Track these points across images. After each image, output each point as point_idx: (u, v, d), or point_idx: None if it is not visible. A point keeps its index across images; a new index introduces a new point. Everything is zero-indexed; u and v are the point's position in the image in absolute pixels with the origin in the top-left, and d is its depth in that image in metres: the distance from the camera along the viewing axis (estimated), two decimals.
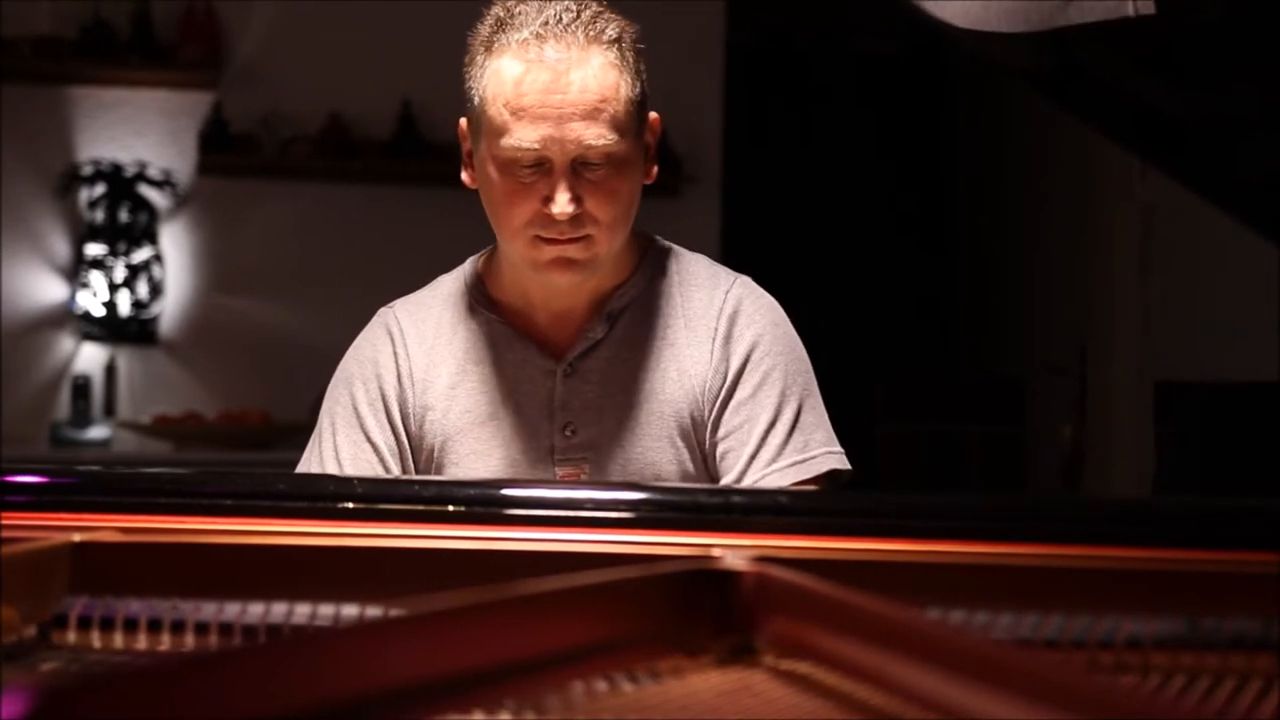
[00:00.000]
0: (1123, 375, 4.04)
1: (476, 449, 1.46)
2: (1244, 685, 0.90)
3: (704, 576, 0.89)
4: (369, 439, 1.47)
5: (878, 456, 4.21)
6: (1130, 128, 1.56)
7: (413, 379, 1.48)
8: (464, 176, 1.47)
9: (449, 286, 1.54)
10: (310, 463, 1.49)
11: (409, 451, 1.48)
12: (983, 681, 0.73)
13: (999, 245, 5.29)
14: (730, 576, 0.89)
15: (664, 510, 1.07)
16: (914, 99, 5.73)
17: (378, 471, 1.46)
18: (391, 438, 1.47)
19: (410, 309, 1.53)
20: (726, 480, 1.45)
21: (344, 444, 1.47)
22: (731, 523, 1.03)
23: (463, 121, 1.45)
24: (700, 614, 0.88)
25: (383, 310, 1.55)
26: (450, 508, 1.06)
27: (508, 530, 1.03)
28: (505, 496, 1.10)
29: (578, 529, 1.03)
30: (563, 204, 1.36)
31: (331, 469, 1.46)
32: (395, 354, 1.49)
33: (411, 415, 1.48)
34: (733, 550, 0.93)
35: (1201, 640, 0.93)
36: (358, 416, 1.48)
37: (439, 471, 1.48)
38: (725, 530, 1.02)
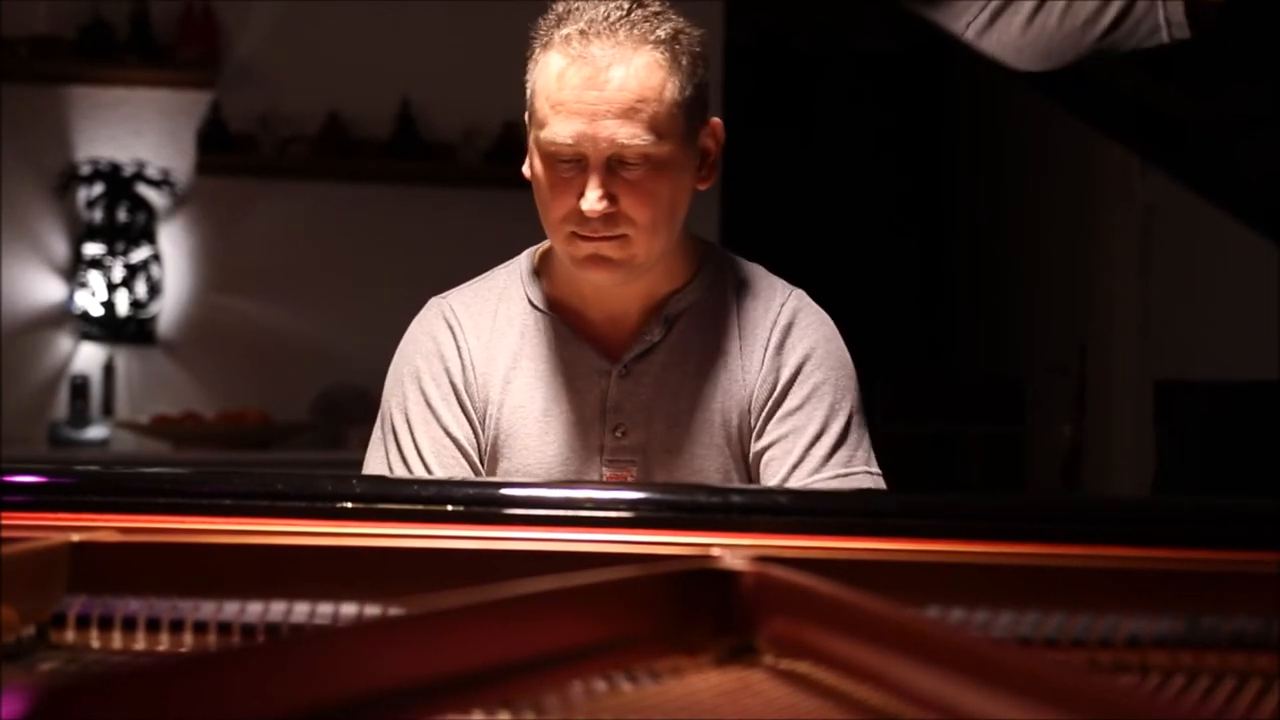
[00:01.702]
0: (1123, 375, 4.04)
1: (527, 445, 1.45)
2: (1244, 684, 0.90)
3: (703, 576, 0.89)
4: (449, 434, 1.45)
5: (878, 456, 4.21)
6: (1131, 127, 1.56)
7: (475, 369, 1.46)
8: (524, 168, 1.45)
9: (502, 280, 1.52)
10: (390, 463, 1.46)
11: (483, 442, 1.46)
12: (982, 681, 0.73)
13: (999, 245, 5.29)
14: (730, 576, 0.89)
15: (664, 510, 1.07)
16: (914, 98, 5.73)
17: (462, 466, 1.44)
18: (469, 429, 1.45)
19: (465, 299, 1.51)
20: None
21: (424, 442, 1.44)
22: (731, 522, 1.03)
23: (526, 115, 1.45)
24: (700, 613, 0.87)
25: (435, 300, 1.52)
26: (450, 508, 1.06)
27: (508, 530, 1.03)
28: (505, 496, 1.10)
29: (577, 529, 1.03)
30: (591, 201, 1.35)
31: (418, 469, 1.43)
32: (458, 345, 1.47)
33: (477, 407, 1.46)
34: (732, 550, 0.93)
35: (1201, 639, 0.93)
36: (434, 413, 1.45)
37: (492, 466, 1.46)
38: (725, 530, 1.02)
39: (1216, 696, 0.89)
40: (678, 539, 1.00)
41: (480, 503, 1.07)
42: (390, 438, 1.47)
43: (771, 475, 1.44)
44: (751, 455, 1.46)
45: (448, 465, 1.43)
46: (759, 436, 1.46)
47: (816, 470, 1.44)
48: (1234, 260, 3.38)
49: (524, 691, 0.80)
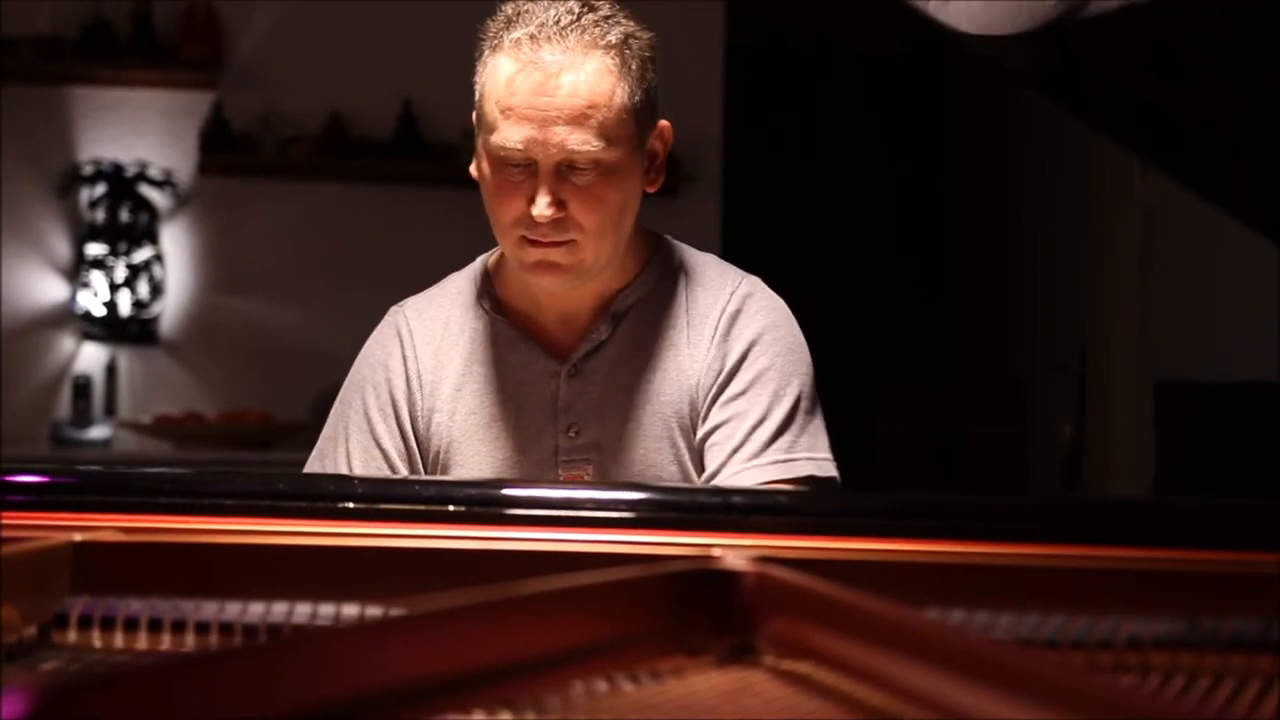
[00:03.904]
0: (1123, 375, 4.04)
1: (481, 450, 1.46)
2: (1244, 685, 0.90)
3: (704, 576, 0.89)
4: (379, 445, 1.47)
5: (878, 456, 4.21)
6: (1131, 127, 1.56)
7: (421, 381, 1.48)
8: (471, 168, 1.46)
9: (459, 285, 1.53)
10: (324, 465, 1.49)
11: (418, 455, 1.48)
12: (983, 681, 0.73)
13: (999, 245, 5.29)
14: (730, 576, 0.89)
15: (664, 510, 1.07)
16: (914, 99, 5.73)
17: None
18: (400, 443, 1.47)
19: (420, 308, 1.52)
20: (706, 473, 1.43)
21: (355, 450, 1.47)
22: (731, 523, 1.03)
23: (473, 114, 1.45)
24: (700, 614, 0.88)
25: (393, 310, 1.54)
26: (450, 508, 1.06)
27: (508, 530, 1.03)
28: (505, 496, 1.10)
29: (578, 529, 1.03)
30: (541, 207, 1.35)
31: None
32: (404, 357, 1.49)
33: (420, 417, 1.48)
34: (733, 550, 0.93)
35: (1201, 640, 0.93)
36: (369, 423, 1.48)
37: (444, 474, 1.47)
38: (725, 530, 1.02)
39: (1217, 697, 0.89)
40: (678, 539, 1.00)
41: (480, 503, 1.07)
42: (328, 442, 1.50)
43: (712, 460, 1.43)
44: (696, 440, 1.45)
45: (373, 475, 1.45)
46: (704, 421, 1.45)
47: (756, 455, 1.41)
48: (1234, 260, 3.37)
49: (525, 691, 0.80)
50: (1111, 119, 1.61)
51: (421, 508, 1.06)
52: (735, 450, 1.42)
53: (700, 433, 1.45)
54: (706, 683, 0.84)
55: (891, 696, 0.79)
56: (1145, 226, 3.91)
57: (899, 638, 0.79)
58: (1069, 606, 0.94)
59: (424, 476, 1.47)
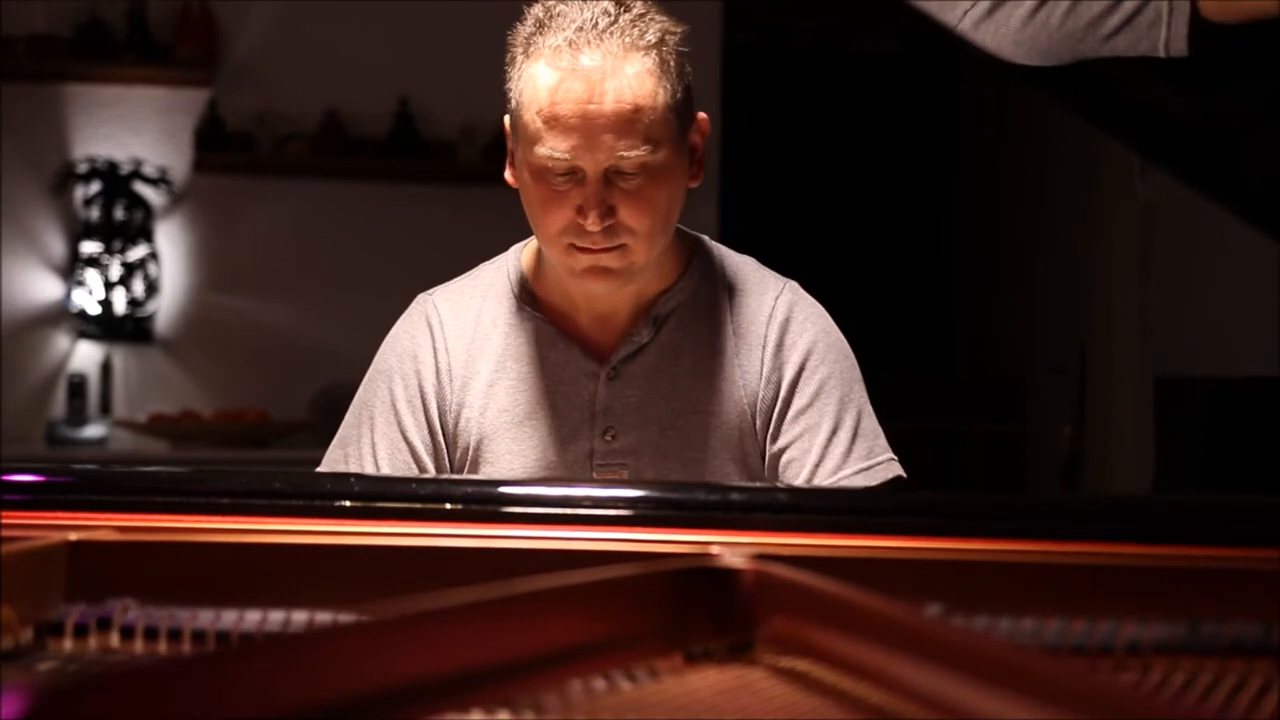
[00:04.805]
0: (1123, 375, 4.04)
1: (513, 449, 1.43)
2: (1243, 683, 0.90)
3: (703, 574, 0.89)
4: (406, 438, 1.44)
5: None
6: (1131, 125, 1.56)
7: (451, 374, 1.45)
8: (506, 175, 1.44)
9: (490, 277, 1.50)
10: (347, 457, 1.46)
11: (444, 449, 1.45)
12: (982, 680, 0.73)
13: (999, 245, 5.29)
14: (729, 574, 0.89)
15: (663, 508, 1.06)
16: (914, 99, 5.73)
17: (413, 470, 1.44)
18: (428, 436, 1.45)
19: (450, 298, 1.49)
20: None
21: (381, 442, 1.45)
22: (730, 520, 1.03)
23: (506, 120, 1.42)
24: (699, 612, 0.87)
25: (421, 298, 1.51)
26: (450, 506, 1.06)
27: (507, 529, 1.03)
28: (504, 495, 1.09)
29: (577, 527, 1.03)
30: (592, 219, 1.33)
31: (369, 467, 1.44)
32: (434, 347, 1.46)
33: (449, 411, 1.45)
34: (732, 548, 0.93)
35: (1201, 639, 0.92)
36: (395, 414, 1.45)
37: (474, 471, 1.45)
38: (724, 528, 1.02)
39: (1216, 694, 0.88)
40: (677, 537, 1.00)
41: (480, 501, 1.07)
42: (352, 431, 1.48)
43: (793, 475, 1.43)
44: (768, 458, 1.45)
45: (399, 468, 1.44)
46: (774, 439, 1.44)
47: (840, 466, 1.43)
48: (1234, 258, 3.38)
49: (523, 690, 0.80)
50: (1112, 117, 1.61)
51: (420, 506, 1.06)
52: (817, 464, 1.42)
53: (772, 449, 1.44)
54: (705, 681, 0.84)
55: (890, 694, 0.78)
56: (1146, 225, 3.92)
57: (898, 635, 0.78)
58: (1069, 605, 0.94)
59: (430, 475, 1.45)
